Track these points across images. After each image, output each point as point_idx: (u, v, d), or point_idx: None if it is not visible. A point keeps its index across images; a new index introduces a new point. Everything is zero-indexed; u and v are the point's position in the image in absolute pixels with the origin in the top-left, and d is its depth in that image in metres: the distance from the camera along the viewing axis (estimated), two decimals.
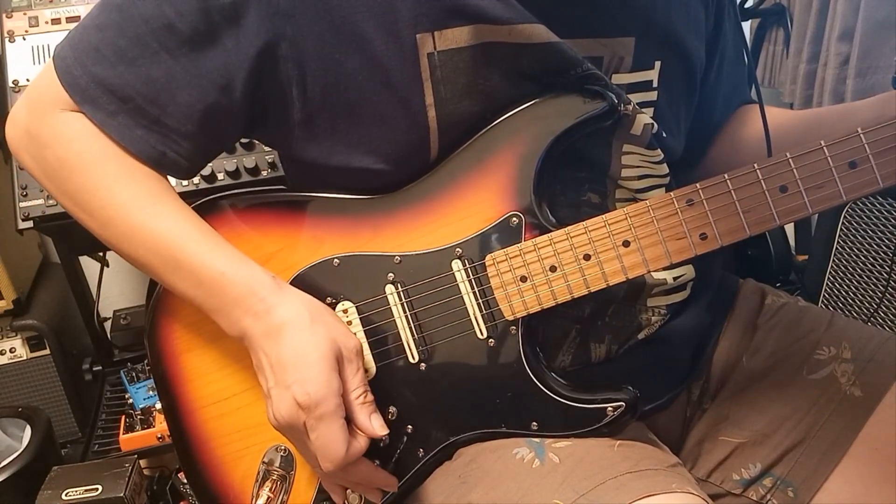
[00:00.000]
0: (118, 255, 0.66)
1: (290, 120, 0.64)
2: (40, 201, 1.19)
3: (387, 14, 0.60)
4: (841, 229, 1.23)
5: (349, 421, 0.60)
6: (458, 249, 0.64)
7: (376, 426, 0.61)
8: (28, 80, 1.24)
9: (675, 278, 0.71)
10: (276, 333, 0.60)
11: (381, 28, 0.60)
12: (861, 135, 0.54)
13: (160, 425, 1.26)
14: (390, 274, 0.65)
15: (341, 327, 0.63)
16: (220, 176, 1.23)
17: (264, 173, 1.25)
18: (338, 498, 0.67)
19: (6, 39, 1.26)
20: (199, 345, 0.71)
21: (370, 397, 0.62)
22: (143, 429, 1.27)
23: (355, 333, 0.65)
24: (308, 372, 0.58)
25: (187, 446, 0.72)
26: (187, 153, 0.66)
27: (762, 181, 0.57)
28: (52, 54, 0.65)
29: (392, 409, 0.67)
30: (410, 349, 0.66)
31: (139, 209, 0.63)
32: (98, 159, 0.63)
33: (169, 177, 0.67)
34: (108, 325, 1.54)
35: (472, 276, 0.64)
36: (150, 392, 1.34)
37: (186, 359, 0.71)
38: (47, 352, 1.43)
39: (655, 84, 0.69)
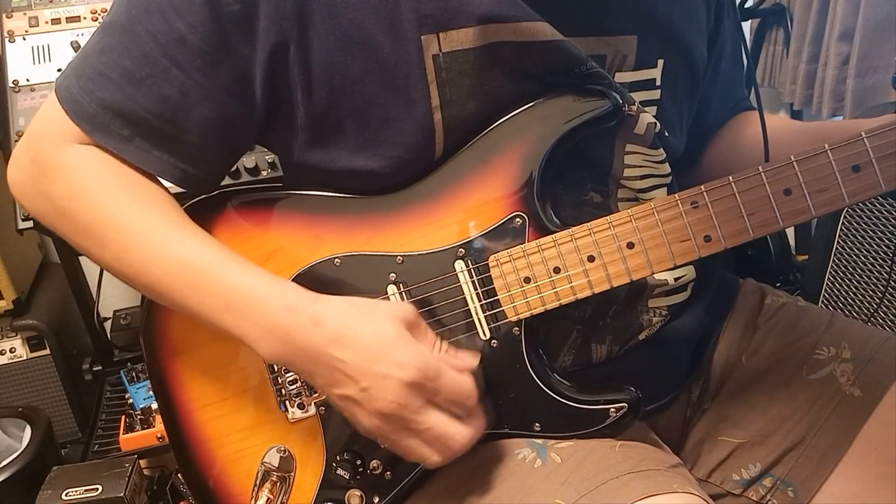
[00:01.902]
0: (133, 287, 0.63)
1: (295, 125, 0.64)
2: None
3: (392, 16, 0.59)
4: (841, 229, 1.24)
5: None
6: (460, 250, 0.64)
7: (469, 358, 0.60)
8: (28, 80, 1.24)
9: (676, 279, 0.72)
10: (340, 338, 0.57)
11: (387, 31, 0.60)
12: (865, 139, 0.55)
13: (160, 425, 1.25)
14: (392, 274, 0.65)
15: (387, 303, 0.61)
16: None
17: (264, 173, 1.25)
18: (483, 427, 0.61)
19: (6, 39, 1.25)
20: (196, 344, 0.70)
21: (446, 345, 0.61)
22: (143, 429, 1.28)
23: None
24: (397, 352, 0.56)
25: (185, 447, 0.71)
26: (208, 167, 0.65)
27: (766, 184, 0.57)
28: (54, 86, 0.63)
29: None
30: None
31: (161, 235, 0.60)
32: (111, 189, 0.61)
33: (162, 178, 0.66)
34: (108, 325, 1.54)
35: (475, 277, 0.64)
36: (150, 392, 1.34)
37: (184, 358, 0.70)
38: (47, 352, 1.43)
39: (658, 82, 0.69)
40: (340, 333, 0.57)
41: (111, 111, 0.61)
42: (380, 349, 0.56)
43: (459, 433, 0.57)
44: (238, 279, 0.59)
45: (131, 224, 0.60)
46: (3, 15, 1.27)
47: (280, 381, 0.69)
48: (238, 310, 0.59)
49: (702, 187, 0.59)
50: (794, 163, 0.56)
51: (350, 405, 0.58)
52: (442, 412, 0.57)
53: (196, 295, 0.60)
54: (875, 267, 1.19)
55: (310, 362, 0.58)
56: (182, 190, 0.67)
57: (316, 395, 0.68)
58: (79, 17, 1.29)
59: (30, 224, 1.18)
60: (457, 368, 0.58)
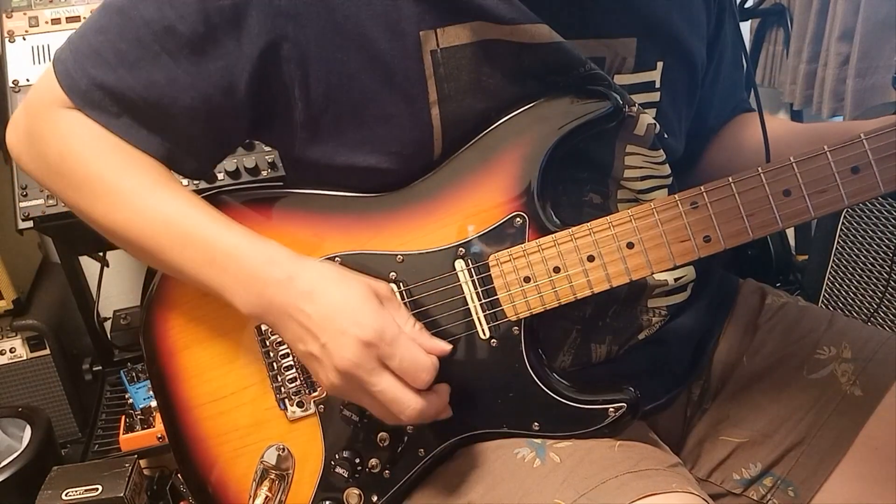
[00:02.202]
0: (120, 244, 0.66)
1: (294, 121, 0.64)
2: (40, 201, 1.18)
3: (390, 12, 0.60)
4: (841, 229, 1.24)
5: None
6: (461, 249, 0.64)
7: (441, 343, 0.61)
8: (28, 80, 1.24)
9: (675, 279, 0.72)
10: (310, 293, 0.59)
11: (384, 26, 0.60)
12: (864, 140, 0.55)
13: (160, 425, 1.26)
14: (392, 273, 0.65)
15: (367, 276, 0.63)
16: (220, 176, 1.23)
17: (264, 173, 1.25)
18: (446, 412, 0.63)
19: (6, 39, 1.26)
20: (195, 342, 0.70)
21: (420, 324, 0.62)
22: (143, 429, 1.28)
23: None
24: (359, 313, 0.57)
25: (184, 445, 0.72)
26: (194, 153, 0.66)
27: (766, 185, 0.57)
28: (52, 57, 0.66)
29: None
30: None
31: (147, 192, 0.62)
32: (101, 150, 0.63)
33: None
34: (108, 325, 1.54)
35: (475, 277, 0.64)
36: (150, 392, 1.34)
37: (183, 356, 0.71)
38: (47, 352, 1.43)
39: (658, 85, 0.69)
40: (310, 290, 0.59)
41: (102, 89, 0.62)
42: (343, 307, 0.58)
43: (410, 402, 0.58)
44: (220, 234, 0.61)
45: (118, 183, 0.63)
46: (3, 15, 1.27)
47: (280, 379, 0.69)
48: (219, 263, 0.61)
49: (701, 188, 0.59)
50: (794, 164, 0.57)
51: (312, 362, 0.60)
52: (396, 378, 0.58)
53: (179, 250, 0.62)
54: (875, 267, 1.19)
55: (281, 317, 0.60)
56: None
57: (315, 393, 0.68)
58: (79, 17, 1.29)
59: (30, 224, 1.18)
60: (422, 346, 0.59)
